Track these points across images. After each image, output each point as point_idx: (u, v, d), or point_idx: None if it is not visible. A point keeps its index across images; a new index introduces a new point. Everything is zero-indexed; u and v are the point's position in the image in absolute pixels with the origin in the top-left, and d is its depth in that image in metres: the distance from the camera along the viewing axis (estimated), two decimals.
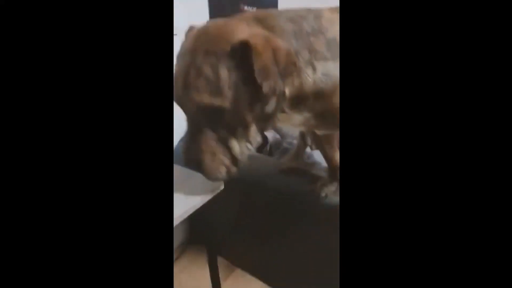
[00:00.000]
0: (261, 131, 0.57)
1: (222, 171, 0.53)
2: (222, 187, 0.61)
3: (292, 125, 0.65)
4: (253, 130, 0.53)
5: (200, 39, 0.48)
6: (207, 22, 0.54)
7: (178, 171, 0.65)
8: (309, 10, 0.55)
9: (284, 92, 0.52)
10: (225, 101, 0.47)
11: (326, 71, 0.53)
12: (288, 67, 0.47)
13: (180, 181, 0.60)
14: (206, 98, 0.46)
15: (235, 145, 0.52)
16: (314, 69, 0.53)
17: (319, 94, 0.55)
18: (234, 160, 0.53)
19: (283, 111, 0.57)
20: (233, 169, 0.54)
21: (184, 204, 0.55)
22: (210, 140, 0.51)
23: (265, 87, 0.45)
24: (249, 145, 0.55)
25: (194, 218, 0.58)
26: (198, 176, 0.60)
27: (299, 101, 0.56)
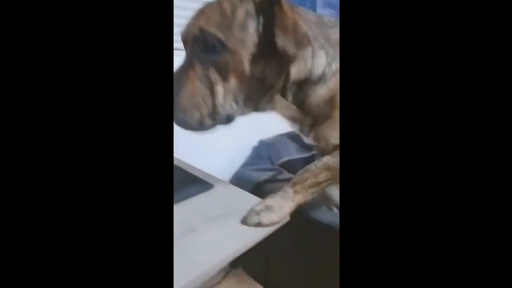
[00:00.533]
0: (255, 106, 0.53)
1: (195, 117, 0.48)
2: (286, 220, 0.57)
3: (285, 115, 0.60)
4: (245, 87, 0.49)
5: None
6: None
7: (240, 196, 0.65)
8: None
9: (289, 71, 0.51)
10: (230, 38, 0.46)
11: (336, 54, 0.53)
12: (303, 40, 0.47)
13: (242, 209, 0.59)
14: (212, 27, 0.45)
15: (220, 92, 0.48)
16: (326, 53, 0.53)
17: (322, 80, 0.53)
18: (213, 109, 0.48)
19: (283, 94, 0.54)
20: (207, 122, 0.49)
21: (245, 236, 0.51)
22: (196, 76, 0.47)
23: (279, 41, 0.45)
24: (233, 105, 0.49)
25: None
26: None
27: (302, 88, 0.54)
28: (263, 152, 1.12)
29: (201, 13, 0.48)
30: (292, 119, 0.59)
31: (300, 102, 0.56)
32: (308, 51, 0.51)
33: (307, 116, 0.57)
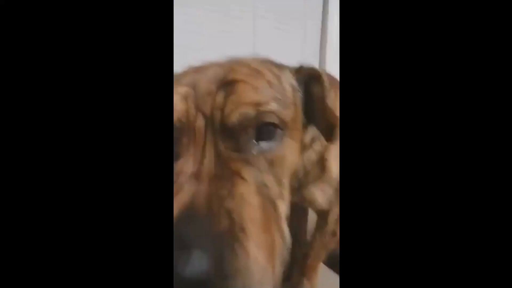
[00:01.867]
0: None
1: None
2: None
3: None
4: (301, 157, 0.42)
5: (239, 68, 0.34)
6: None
7: None
8: None
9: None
10: (290, 114, 0.34)
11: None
12: None
13: None
14: (272, 105, 0.32)
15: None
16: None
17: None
18: None
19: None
20: None
21: None
22: None
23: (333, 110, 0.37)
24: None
25: None
26: None
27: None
28: None
29: (234, 91, 0.33)
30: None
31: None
32: None
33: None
